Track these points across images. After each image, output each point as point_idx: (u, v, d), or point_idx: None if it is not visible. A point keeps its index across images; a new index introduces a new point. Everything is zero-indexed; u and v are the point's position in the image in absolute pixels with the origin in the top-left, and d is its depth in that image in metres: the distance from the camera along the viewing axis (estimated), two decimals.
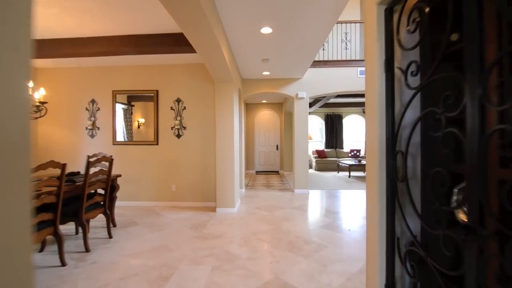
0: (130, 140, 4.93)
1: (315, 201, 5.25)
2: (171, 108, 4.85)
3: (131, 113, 5.07)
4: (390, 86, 1.34)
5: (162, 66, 4.84)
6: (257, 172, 9.58)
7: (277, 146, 9.72)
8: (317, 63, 5.80)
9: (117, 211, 4.41)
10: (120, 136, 4.95)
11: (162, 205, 4.80)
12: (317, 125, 11.59)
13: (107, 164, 3.22)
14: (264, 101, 9.39)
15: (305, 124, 5.89)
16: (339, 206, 4.79)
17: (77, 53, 3.80)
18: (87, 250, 2.85)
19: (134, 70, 4.89)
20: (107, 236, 3.26)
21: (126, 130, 5.08)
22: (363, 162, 8.64)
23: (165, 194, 4.84)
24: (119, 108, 4.99)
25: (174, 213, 4.34)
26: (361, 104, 10.12)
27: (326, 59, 5.97)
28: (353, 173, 8.97)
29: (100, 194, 3.23)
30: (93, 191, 3.21)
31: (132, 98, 4.99)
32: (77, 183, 2.90)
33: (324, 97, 7.12)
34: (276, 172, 9.55)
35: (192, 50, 3.50)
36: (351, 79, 5.79)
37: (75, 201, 2.92)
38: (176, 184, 4.82)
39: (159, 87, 4.86)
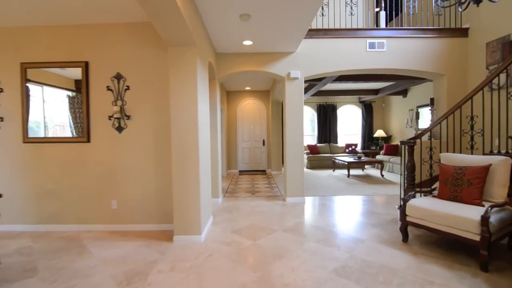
0: (80, 136, 3.39)
1: (315, 216, 3.91)
2: (108, 88, 3.32)
3: (81, 102, 3.51)
4: None
5: (92, 26, 3.28)
6: (241, 172, 8.17)
7: (263, 141, 8.33)
8: (315, 33, 4.43)
9: (21, 243, 2.90)
10: (55, 131, 3.39)
11: (97, 230, 3.31)
12: (308, 117, 10.28)
13: None
14: (248, 88, 7.94)
15: (300, 111, 4.52)
16: (349, 225, 3.47)
17: None
18: None
19: (51, 32, 3.31)
20: None
21: (75, 125, 3.54)
22: (364, 159, 7.41)
23: (102, 214, 3.34)
24: (64, 96, 3.43)
25: (108, 245, 2.87)
26: (359, 92, 8.84)
27: (326, 27, 4.59)
28: (351, 172, 7.77)
29: None
30: None
31: (81, 83, 3.43)
32: None
33: (321, 80, 5.77)
34: (263, 172, 8.19)
35: None
36: (358, 54, 4.46)
37: None
38: (118, 199, 3.33)
39: (89, 57, 3.31)
